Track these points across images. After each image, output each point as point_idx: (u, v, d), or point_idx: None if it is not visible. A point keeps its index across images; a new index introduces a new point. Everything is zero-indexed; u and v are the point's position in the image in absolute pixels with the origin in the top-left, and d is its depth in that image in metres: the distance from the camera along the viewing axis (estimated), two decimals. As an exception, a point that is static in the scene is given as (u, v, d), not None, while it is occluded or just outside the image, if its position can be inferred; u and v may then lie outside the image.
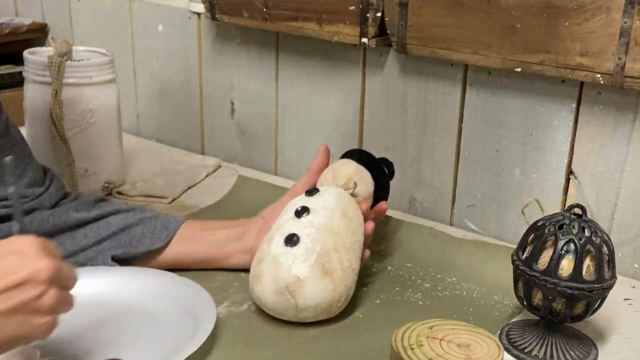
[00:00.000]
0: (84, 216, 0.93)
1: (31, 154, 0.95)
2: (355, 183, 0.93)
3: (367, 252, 0.92)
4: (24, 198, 0.91)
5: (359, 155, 1.00)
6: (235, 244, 0.96)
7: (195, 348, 0.75)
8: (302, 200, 0.90)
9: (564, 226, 0.79)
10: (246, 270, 0.91)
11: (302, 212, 0.88)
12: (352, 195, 0.92)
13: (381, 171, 1.00)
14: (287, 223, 0.88)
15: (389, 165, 1.04)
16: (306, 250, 0.84)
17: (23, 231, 0.69)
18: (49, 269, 0.63)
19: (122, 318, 0.84)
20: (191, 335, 0.78)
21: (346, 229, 0.87)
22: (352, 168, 0.95)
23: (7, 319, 0.62)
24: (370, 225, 0.93)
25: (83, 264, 0.91)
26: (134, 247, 0.92)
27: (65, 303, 0.67)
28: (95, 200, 0.96)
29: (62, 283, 0.66)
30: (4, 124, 0.90)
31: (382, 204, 0.98)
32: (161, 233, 0.94)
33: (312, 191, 0.91)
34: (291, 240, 0.85)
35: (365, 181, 0.96)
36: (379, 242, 1.06)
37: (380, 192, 0.99)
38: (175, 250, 0.95)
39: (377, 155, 1.02)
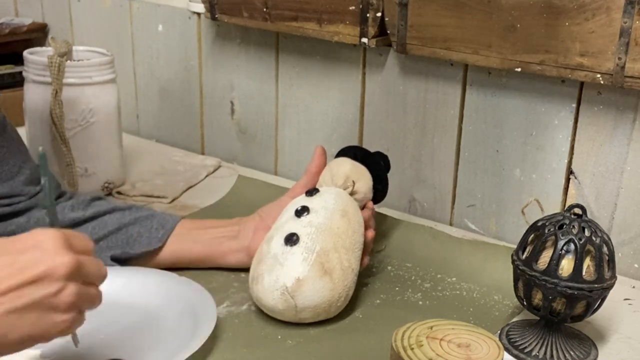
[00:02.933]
0: (80, 215, 0.93)
1: (27, 152, 0.95)
2: (353, 182, 0.93)
3: (366, 260, 0.92)
4: (20, 196, 0.91)
5: (354, 153, 1.00)
6: (231, 243, 0.96)
7: (196, 348, 0.75)
8: (302, 200, 0.90)
9: (564, 226, 0.79)
10: (246, 270, 0.91)
11: (302, 211, 0.88)
12: (352, 193, 0.93)
13: (378, 165, 1.00)
14: (287, 223, 0.88)
15: (384, 158, 1.03)
16: (306, 249, 0.84)
17: (54, 225, 0.68)
18: (67, 264, 0.61)
19: (122, 318, 0.84)
20: (191, 336, 0.78)
21: (346, 228, 0.87)
22: (348, 166, 0.95)
23: (21, 317, 0.59)
24: (371, 233, 0.93)
25: (82, 264, 0.91)
26: (131, 247, 0.92)
27: (88, 300, 0.64)
28: (91, 199, 0.96)
29: (87, 279, 0.63)
30: (1, 122, 0.90)
31: (368, 204, 0.97)
32: (158, 232, 0.94)
33: (312, 191, 0.91)
34: (291, 239, 0.85)
35: (363, 177, 0.96)
36: (379, 242, 1.06)
37: (379, 185, 0.99)
38: (172, 248, 0.95)
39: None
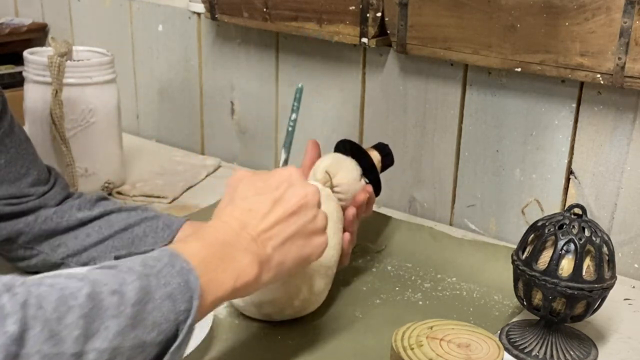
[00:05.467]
0: (86, 215, 0.93)
1: (35, 153, 0.95)
2: (328, 174, 0.91)
3: (347, 235, 0.91)
4: (28, 197, 0.91)
5: (343, 146, 0.99)
6: None
7: (191, 349, 0.75)
8: None
9: (564, 226, 0.79)
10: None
11: None
12: (333, 185, 0.91)
13: (366, 157, 0.98)
14: None
15: (383, 147, 1.02)
16: None
17: (287, 162, 0.81)
18: (315, 193, 0.72)
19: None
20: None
21: None
22: (328, 160, 0.93)
23: (291, 244, 0.69)
24: (347, 236, 0.91)
25: (86, 264, 0.91)
26: (136, 247, 0.92)
27: (326, 222, 0.74)
28: (97, 199, 0.96)
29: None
30: (9, 123, 0.90)
31: (359, 195, 0.94)
32: (164, 232, 0.93)
33: None
34: None
35: (345, 169, 0.93)
36: (379, 242, 1.06)
37: (370, 176, 0.97)
38: None
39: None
